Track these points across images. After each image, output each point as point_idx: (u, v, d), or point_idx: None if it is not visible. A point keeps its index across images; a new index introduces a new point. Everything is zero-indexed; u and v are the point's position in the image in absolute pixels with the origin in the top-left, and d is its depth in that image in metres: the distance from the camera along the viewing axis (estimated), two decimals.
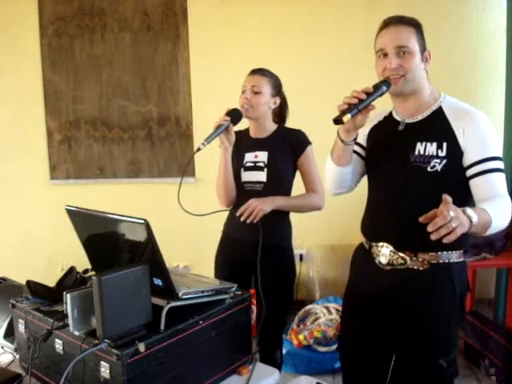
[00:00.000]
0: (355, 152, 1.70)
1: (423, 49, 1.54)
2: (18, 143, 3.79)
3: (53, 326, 1.29)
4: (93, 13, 3.65)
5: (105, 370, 1.17)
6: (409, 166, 1.51)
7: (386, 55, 1.53)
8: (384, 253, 1.58)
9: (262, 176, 2.08)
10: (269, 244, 2.00)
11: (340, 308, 2.88)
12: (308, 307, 3.12)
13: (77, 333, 1.24)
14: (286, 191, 2.13)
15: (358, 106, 1.43)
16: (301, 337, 2.86)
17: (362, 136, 1.71)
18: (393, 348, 1.62)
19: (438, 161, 1.48)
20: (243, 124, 2.14)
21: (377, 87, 1.47)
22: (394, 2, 3.39)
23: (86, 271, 1.52)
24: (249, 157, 2.12)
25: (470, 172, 1.47)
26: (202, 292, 1.38)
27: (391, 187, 1.59)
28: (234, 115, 2.00)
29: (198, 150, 1.88)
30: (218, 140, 2.01)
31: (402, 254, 1.55)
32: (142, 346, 1.16)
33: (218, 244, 2.25)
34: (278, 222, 2.09)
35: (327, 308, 3.04)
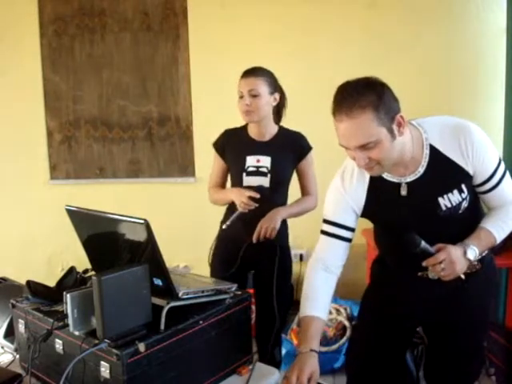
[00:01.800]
0: (342, 238, 1.53)
1: (391, 121, 1.29)
2: (18, 143, 3.79)
3: (53, 325, 1.29)
4: (93, 13, 3.65)
5: (105, 369, 1.17)
6: (438, 218, 1.44)
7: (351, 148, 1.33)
8: (433, 274, 1.46)
9: (265, 181, 2.07)
10: (267, 244, 2.00)
11: (340, 308, 2.89)
12: None
13: (77, 333, 1.24)
14: (284, 194, 2.15)
15: None
16: None
17: (345, 214, 1.52)
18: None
19: (465, 201, 1.44)
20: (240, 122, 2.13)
21: (423, 251, 1.36)
22: (393, 1, 3.40)
23: (85, 271, 1.52)
24: (250, 161, 2.09)
25: (480, 189, 1.47)
26: (202, 292, 1.38)
27: (423, 237, 1.40)
28: (258, 199, 1.99)
29: (223, 230, 2.03)
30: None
31: None
32: (141, 346, 1.17)
33: (215, 241, 2.23)
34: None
35: None
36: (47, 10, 3.67)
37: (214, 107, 3.46)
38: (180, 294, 1.30)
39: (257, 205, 1.96)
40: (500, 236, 1.45)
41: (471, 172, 1.41)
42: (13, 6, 3.66)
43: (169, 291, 1.29)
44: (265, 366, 1.53)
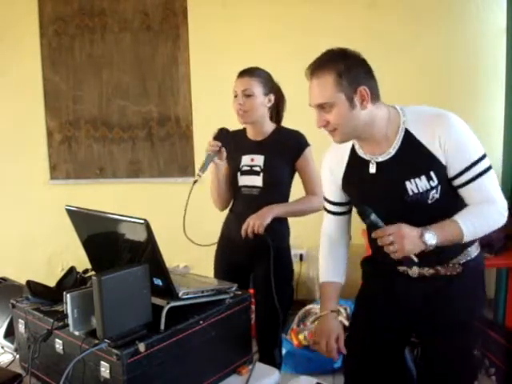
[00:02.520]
0: (339, 213, 1.65)
1: (353, 91, 1.36)
2: (18, 143, 3.79)
3: (53, 325, 1.29)
4: (93, 13, 3.65)
5: (105, 369, 1.17)
6: (405, 204, 1.44)
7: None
8: (414, 269, 1.52)
9: (257, 180, 2.06)
10: (265, 245, 2.00)
11: (340, 308, 2.88)
12: (308, 307, 3.12)
13: (77, 333, 1.24)
14: (283, 195, 2.11)
15: None
16: (301, 337, 2.86)
17: (335, 191, 1.62)
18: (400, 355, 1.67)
19: (435, 191, 1.41)
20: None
21: (374, 224, 1.38)
22: (393, 1, 3.40)
23: (85, 271, 1.52)
24: (245, 160, 2.10)
25: (456, 182, 1.41)
26: (202, 292, 1.38)
27: (391, 222, 1.42)
28: (223, 138, 1.98)
29: (195, 182, 1.92)
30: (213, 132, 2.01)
31: (431, 268, 1.50)
32: (141, 346, 1.17)
33: (217, 245, 2.25)
34: (276, 222, 2.09)
35: None
36: (47, 10, 3.67)
37: (214, 107, 3.46)
38: (180, 294, 1.30)
39: (220, 144, 1.95)
40: (469, 231, 1.36)
41: (443, 161, 1.39)
42: (13, 5, 3.66)
43: (169, 291, 1.29)
44: (265, 366, 1.53)
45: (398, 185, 1.44)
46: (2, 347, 1.65)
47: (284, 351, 2.69)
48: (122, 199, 3.64)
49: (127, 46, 3.67)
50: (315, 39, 3.45)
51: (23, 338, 1.47)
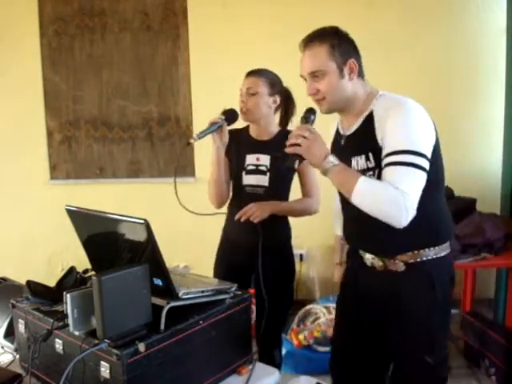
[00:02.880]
0: None
1: (343, 61, 1.48)
2: (18, 143, 3.79)
3: (53, 325, 1.29)
4: (93, 13, 3.65)
5: (105, 369, 1.17)
6: None
7: (306, 80, 1.53)
8: (367, 257, 1.61)
9: (264, 180, 2.06)
10: (268, 245, 2.00)
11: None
12: (308, 307, 3.12)
13: (77, 333, 1.24)
14: (284, 195, 2.13)
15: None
16: (301, 337, 2.86)
17: None
18: (383, 350, 1.63)
19: (371, 172, 1.46)
20: (242, 123, 2.14)
21: (306, 118, 1.51)
22: (393, 1, 3.40)
23: (86, 271, 1.51)
24: (250, 159, 2.10)
25: (382, 165, 1.43)
26: (202, 292, 1.38)
27: (341, 194, 1.59)
28: (230, 115, 2.00)
29: (189, 144, 1.90)
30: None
31: (380, 259, 1.56)
32: (141, 346, 1.16)
33: (218, 245, 2.25)
34: (278, 223, 2.09)
35: (327, 308, 3.04)
36: (47, 10, 3.67)
37: (214, 107, 3.44)
38: (180, 294, 1.30)
39: (223, 118, 1.96)
40: (360, 191, 1.38)
41: (380, 143, 1.43)
42: (13, 5, 3.66)
43: (169, 291, 1.29)
44: (265, 366, 1.53)
45: (347, 160, 1.52)
46: (2, 347, 1.65)
47: (284, 351, 2.69)
48: (122, 199, 3.64)
49: (127, 46, 3.67)
50: None
51: (23, 338, 1.47)
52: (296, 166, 1.49)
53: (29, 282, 1.49)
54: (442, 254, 1.53)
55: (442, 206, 1.56)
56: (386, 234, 1.44)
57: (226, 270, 2.19)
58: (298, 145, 1.42)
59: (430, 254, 1.51)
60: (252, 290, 2.09)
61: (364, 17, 3.37)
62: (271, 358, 2.10)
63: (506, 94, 3.34)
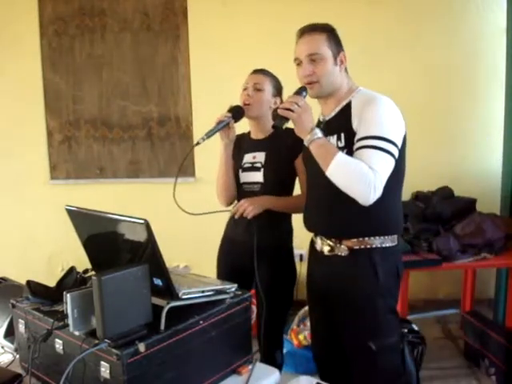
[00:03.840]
0: None
1: (337, 52, 1.64)
2: (18, 143, 3.79)
3: (53, 325, 1.29)
4: (93, 13, 3.65)
5: (105, 370, 1.17)
6: None
7: (300, 63, 1.64)
8: (318, 241, 1.74)
9: (258, 176, 2.07)
10: (269, 245, 2.00)
11: None
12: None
13: (77, 333, 1.24)
14: (285, 192, 2.11)
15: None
16: (301, 337, 2.86)
17: None
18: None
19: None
20: (245, 126, 2.14)
21: (298, 92, 1.62)
22: (393, 2, 3.40)
23: (86, 271, 1.51)
24: (247, 158, 2.12)
25: (354, 148, 1.54)
26: (202, 292, 1.38)
27: (313, 181, 1.74)
28: (236, 111, 2.01)
29: (197, 143, 1.88)
30: (218, 138, 2.01)
31: (328, 242, 1.67)
32: (142, 346, 1.16)
33: (220, 244, 2.25)
34: (278, 223, 2.09)
35: None
36: (47, 10, 3.67)
37: (214, 107, 3.44)
38: (180, 294, 1.30)
39: (230, 115, 1.97)
40: (337, 165, 1.50)
41: (355, 128, 1.55)
42: (13, 5, 3.66)
43: (169, 291, 1.29)
44: (265, 366, 1.53)
45: None
46: (2, 347, 1.65)
47: (284, 351, 2.69)
48: (122, 199, 3.64)
49: (127, 46, 3.67)
50: None
51: (23, 338, 1.47)
52: (282, 127, 1.62)
53: (29, 282, 1.49)
54: (388, 245, 1.61)
55: (395, 199, 1.65)
56: (335, 218, 1.62)
57: (227, 269, 2.19)
58: (291, 110, 1.54)
59: (375, 242, 1.60)
60: (252, 291, 2.10)
61: (364, 16, 3.37)
62: (273, 359, 2.10)
63: (506, 93, 3.34)
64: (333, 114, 1.68)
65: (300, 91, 1.63)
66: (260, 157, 2.09)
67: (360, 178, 1.47)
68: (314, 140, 1.55)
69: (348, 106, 1.62)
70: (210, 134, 1.91)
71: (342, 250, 1.63)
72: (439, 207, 2.93)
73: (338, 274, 1.66)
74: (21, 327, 1.47)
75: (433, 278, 3.47)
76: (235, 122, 2.00)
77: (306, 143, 1.59)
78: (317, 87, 1.63)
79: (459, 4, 3.44)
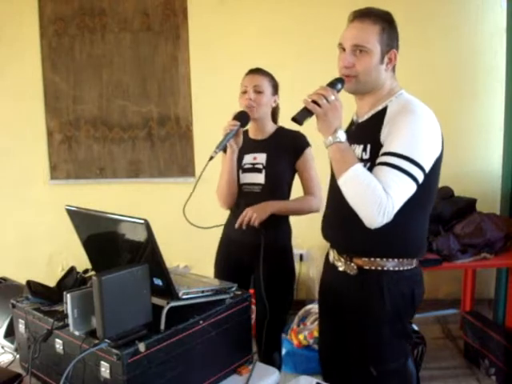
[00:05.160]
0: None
1: (387, 49, 1.44)
2: (18, 143, 3.79)
3: (53, 325, 1.29)
4: (93, 13, 3.65)
5: (105, 369, 1.17)
6: None
7: (344, 50, 1.46)
8: (331, 253, 1.63)
9: (259, 178, 2.07)
10: (269, 245, 2.00)
11: None
12: (308, 307, 3.12)
13: (77, 333, 1.24)
14: (284, 193, 2.12)
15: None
16: (301, 337, 2.86)
17: None
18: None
19: (362, 164, 1.41)
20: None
21: (332, 85, 1.43)
22: (393, 1, 3.40)
23: (86, 271, 1.51)
24: (247, 158, 2.11)
25: (377, 161, 1.40)
26: (202, 292, 1.38)
27: (334, 191, 1.55)
28: (243, 118, 1.99)
29: (211, 158, 1.87)
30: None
31: (339, 257, 1.56)
32: (142, 346, 1.17)
33: (218, 244, 2.26)
34: (278, 223, 2.09)
35: None
36: (47, 10, 3.67)
37: (214, 107, 3.46)
38: (180, 294, 1.30)
39: (239, 123, 1.95)
40: (353, 175, 1.35)
41: (382, 140, 1.40)
42: (13, 6, 3.66)
43: (169, 291, 1.29)
44: (265, 366, 1.53)
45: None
46: (2, 347, 1.65)
47: (284, 351, 2.69)
48: (122, 199, 3.64)
49: (127, 46, 3.67)
50: (315, 38, 3.47)
51: (23, 338, 1.47)
52: (303, 122, 1.41)
53: (29, 282, 1.49)
54: (402, 269, 1.48)
55: (419, 224, 1.50)
56: (348, 233, 1.47)
57: (226, 268, 2.19)
58: (318, 104, 1.36)
59: (388, 265, 1.47)
60: (252, 290, 2.10)
61: None
62: (271, 360, 2.09)
63: (506, 93, 3.34)
64: (366, 117, 1.52)
65: (335, 83, 1.44)
66: (261, 158, 2.09)
67: (371, 198, 1.32)
68: (335, 144, 1.38)
69: (382, 112, 1.45)
70: (221, 147, 1.91)
71: (352, 268, 1.51)
72: (439, 207, 2.92)
73: (346, 292, 1.55)
74: (21, 327, 1.47)
75: (433, 277, 3.47)
76: (242, 127, 1.99)
77: (324, 144, 1.42)
78: (353, 82, 1.45)
79: (459, 4, 3.44)
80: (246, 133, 2.18)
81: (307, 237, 3.39)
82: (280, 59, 3.30)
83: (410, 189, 1.36)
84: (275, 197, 2.06)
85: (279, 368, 2.17)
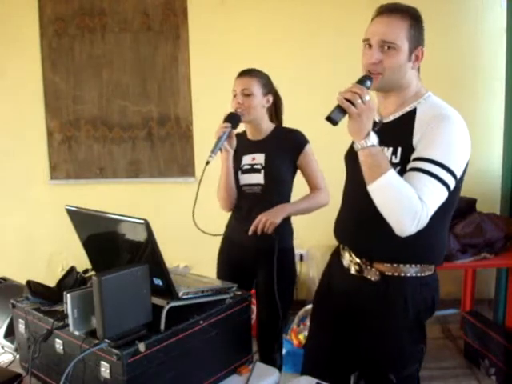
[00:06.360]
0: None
1: (415, 46, 1.39)
2: (18, 143, 3.79)
3: (53, 325, 1.29)
4: (93, 13, 3.65)
5: (105, 369, 1.17)
6: None
7: (370, 46, 1.40)
8: (345, 256, 1.56)
9: (259, 178, 2.07)
10: (270, 246, 2.00)
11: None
12: (308, 307, 3.12)
13: (77, 333, 1.24)
14: (285, 193, 2.12)
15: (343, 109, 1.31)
16: (301, 337, 2.86)
17: None
18: (353, 358, 1.58)
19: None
20: (240, 127, 2.14)
21: (361, 82, 1.36)
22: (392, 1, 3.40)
23: (86, 271, 1.52)
24: (246, 159, 2.11)
25: (409, 165, 1.35)
26: (202, 292, 1.38)
27: (352, 188, 1.52)
28: (233, 120, 1.99)
29: (208, 163, 1.89)
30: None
31: (358, 261, 1.50)
32: (142, 346, 1.17)
33: (220, 245, 2.25)
34: (281, 224, 2.09)
35: None
36: (47, 10, 3.67)
37: (214, 107, 3.45)
38: (180, 294, 1.30)
39: (230, 125, 1.94)
40: (386, 181, 1.29)
41: (415, 143, 1.35)
42: (13, 6, 3.66)
43: (169, 291, 1.29)
44: (265, 366, 1.54)
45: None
46: (2, 347, 1.65)
47: (284, 351, 2.68)
48: (122, 199, 3.64)
49: (127, 46, 3.66)
50: (315, 38, 3.47)
51: (23, 338, 1.47)
52: (338, 122, 1.32)
53: (29, 282, 1.49)
54: (423, 275, 1.46)
55: (441, 229, 1.47)
56: (369, 236, 1.41)
57: (228, 269, 2.19)
58: (353, 104, 1.29)
59: (411, 271, 1.44)
60: (252, 291, 2.10)
61: (365, 15, 3.34)
62: (271, 361, 2.09)
63: (506, 93, 3.34)
64: (392, 117, 1.46)
65: (364, 80, 1.36)
66: (259, 158, 2.09)
67: (406, 207, 1.27)
68: (367, 148, 1.31)
69: (412, 115, 1.41)
70: (215, 151, 1.92)
71: (373, 273, 1.45)
72: None
73: (365, 298, 1.48)
74: (21, 327, 1.47)
75: None
76: (234, 129, 1.99)
77: (355, 147, 1.35)
78: (379, 79, 1.39)
79: (459, 4, 3.44)
80: (244, 134, 2.19)
81: (307, 237, 3.40)
82: (280, 59, 3.30)
83: (443, 196, 1.33)
84: (276, 196, 2.06)
85: (280, 368, 2.18)
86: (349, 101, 1.29)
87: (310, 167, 2.10)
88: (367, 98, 1.30)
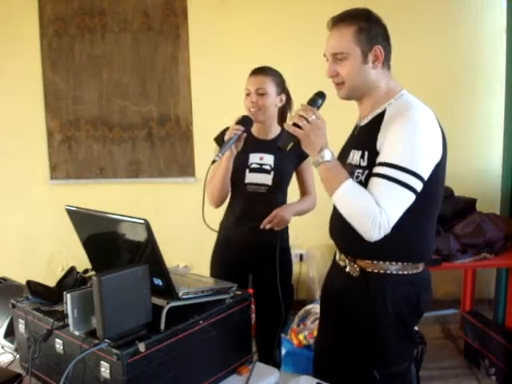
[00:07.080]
0: None
1: (369, 47, 1.40)
2: (18, 143, 3.79)
3: (53, 325, 1.29)
4: (93, 13, 3.65)
5: (105, 369, 1.17)
6: (346, 168, 1.45)
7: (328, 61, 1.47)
8: (337, 254, 1.63)
9: (267, 179, 2.07)
10: (267, 245, 2.00)
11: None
12: (308, 307, 3.12)
13: (77, 333, 1.24)
14: (284, 195, 2.15)
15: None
16: (301, 337, 2.86)
17: None
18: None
19: (361, 171, 1.41)
20: None
21: (312, 101, 1.43)
22: (393, 1, 3.40)
23: (86, 271, 1.51)
24: (254, 158, 2.10)
25: (373, 170, 1.38)
26: (202, 292, 1.38)
27: None
28: (246, 123, 1.97)
29: (214, 162, 1.88)
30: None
31: (343, 257, 1.56)
32: (142, 346, 1.17)
33: (214, 244, 2.24)
34: None
35: None
36: (47, 10, 3.67)
37: (214, 107, 3.46)
38: (180, 294, 1.30)
39: (243, 128, 1.92)
40: (344, 193, 1.35)
41: (378, 147, 1.37)
42: (13, 6, 3.66)
43: (169, 291, 1.29)
44: (265, 366, 1.53)
45: (348, 150, 1.52)
46: (2, 347, 1.65)
47: (284, 351, 2.69)
48: (122, 199, 3.64)
49: (127, 46, 3.67)
50: (316, 38, 3.46)
51: (23, 338, 1.47)
52: (288, 148, 1.43)
53: (29, 282, 1.49)
54: (406, 273, 1.46)
55: (424, 226, 1.48)
56: (351, 235, 1.41)
57: (223, 268, 2.18)
58: (299, 127, 1.36)
59: (391, 268, 1.45)
60: (251, 290, 2.11)
61: None
62: (270, 358, 2.10)
63: (506, 93, 3.34)
64: (366, 120, 1.49)
65: (315, 99, 1.44)
66: (268, 159, 2.08)
67: (364, 214, 1.32)
68: (322, 163, 1.37)
69: (381, 117, 1.42)
70: (224, 151, 1.89)
71: (354, 269, 1.50)
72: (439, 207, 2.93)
73: (350, 293, 1.53)
74: (21, 327, 1.47)
75: (433, 277, 3.46)
76: (245, 132, 1.96)
77: (313, 164, 1.42)
78: (343, 89, 1.45)
79: (459, 4, 3.44)
80: (249, 132, 2.17)
81: (307, 237, 3.40)
82: (280, 59, 3.30)
83: (407, 199, 1.33)
84: (278, 197, 2.08)
85: (279, 365, 2.18)
86: (296, 125, 1.37)
87: (308, 173, 2.15)
88: (312, 117, 1.36)
